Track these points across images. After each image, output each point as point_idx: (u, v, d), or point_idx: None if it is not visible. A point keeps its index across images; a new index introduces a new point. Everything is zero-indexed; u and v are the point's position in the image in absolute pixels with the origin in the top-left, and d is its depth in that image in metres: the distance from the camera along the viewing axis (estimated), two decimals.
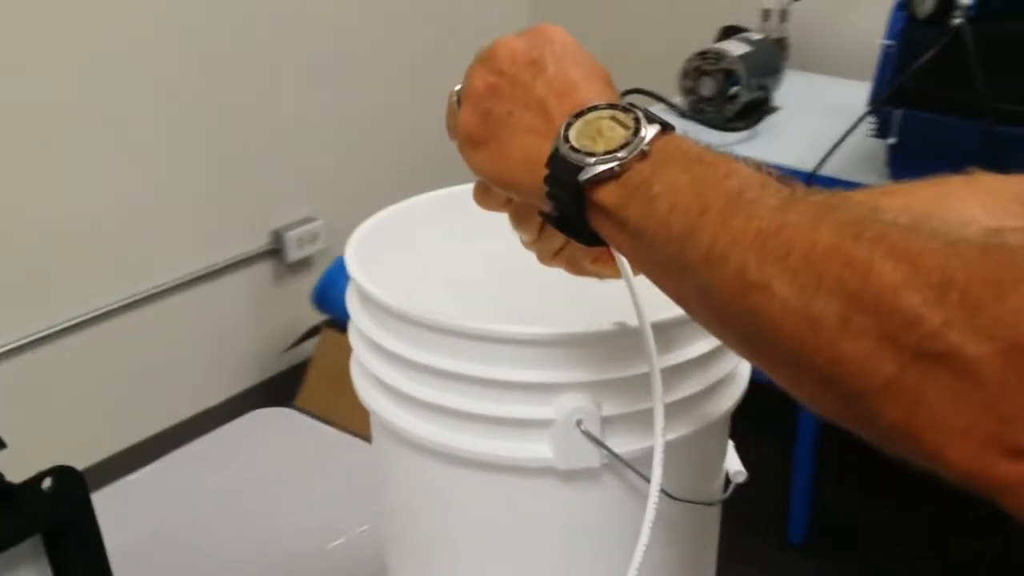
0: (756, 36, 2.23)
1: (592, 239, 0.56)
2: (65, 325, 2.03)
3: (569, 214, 0.55)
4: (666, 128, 0.54)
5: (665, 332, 0.66)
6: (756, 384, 0.80)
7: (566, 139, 0.54)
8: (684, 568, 0.76)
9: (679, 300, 0.54)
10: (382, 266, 0.75)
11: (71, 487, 0.61)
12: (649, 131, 0.53)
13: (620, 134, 0.53)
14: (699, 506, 0.73)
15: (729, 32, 2.33)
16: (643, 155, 0.52)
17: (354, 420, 1.03)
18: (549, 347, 0.65)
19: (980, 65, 1.54)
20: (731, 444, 0.81)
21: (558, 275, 0.72)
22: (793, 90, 2.27)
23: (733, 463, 0.80)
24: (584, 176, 0.53)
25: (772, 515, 2.09)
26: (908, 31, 1.68)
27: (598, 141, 0.53)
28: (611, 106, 0.55)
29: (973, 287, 0.39)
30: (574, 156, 0.53)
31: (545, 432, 0.67)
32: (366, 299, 0.73)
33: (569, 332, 0.65)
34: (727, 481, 0.79)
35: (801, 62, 2.37)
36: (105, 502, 1.07)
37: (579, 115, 0.55)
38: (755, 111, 2.15)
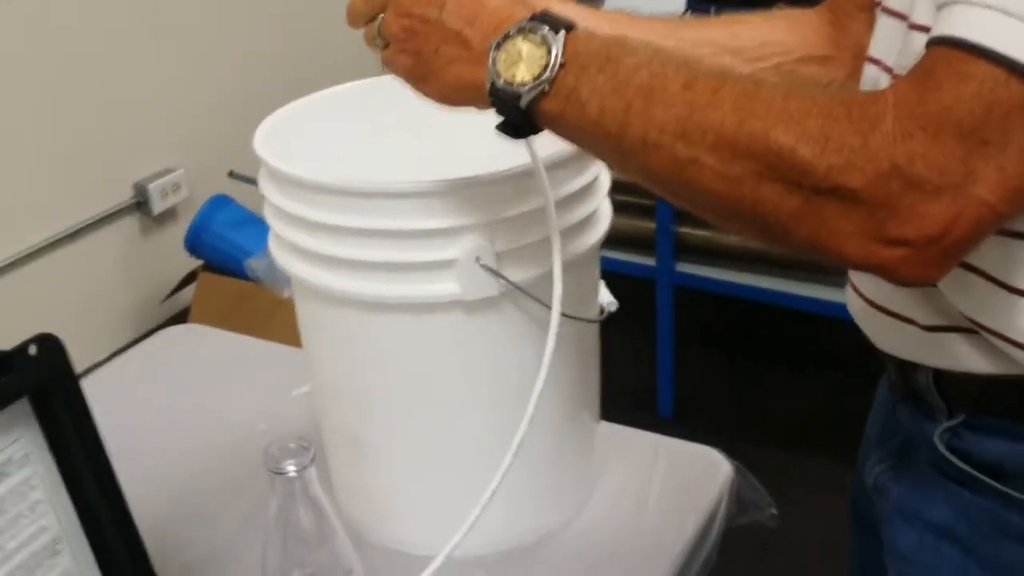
0: None
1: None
2: None
3: (520, 127, 0.68)
4: (568, 28, 0.65)
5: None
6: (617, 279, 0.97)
7: (497, 73, 0.65)
8: (575, 376, 0.91)
9: (623, 172, 0.68)
10: (288, 153, 0.85)
11: (54, 352, 0.70)
12: (557, 43, 0.64)
13: (537, 57, 0.64)
14: (583, 324, 0.87)
15: None
16: (562, 66, 0.64)
17: None
18: (445, 196, 0.78)
19: None
20: (602, 281, 0.95)
21: (459, 152, 0.85)
22: None
23: (605, 296, 0.95)
24: (523, 102, 0.65)
25: (642, 394, 2.28)
26: None
27: (522, 68, 0.64)
28: (520, 30, 0.65)
29: (845, 137, 0.56)
30: (510, 89, 0.65)
31: (450, 271, 0.79)
32: (277, 177, 0.83)
33: (462, 178, 0.77)
34: (602, 310, 0.94)
35: None
36: None
37: (498, 45, 0.65)
38: None
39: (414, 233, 0.78)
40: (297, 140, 0.89)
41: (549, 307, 0.79)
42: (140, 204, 2.43)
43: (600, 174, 0.89)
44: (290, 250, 0.85)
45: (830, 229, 0.58)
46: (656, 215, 2.18)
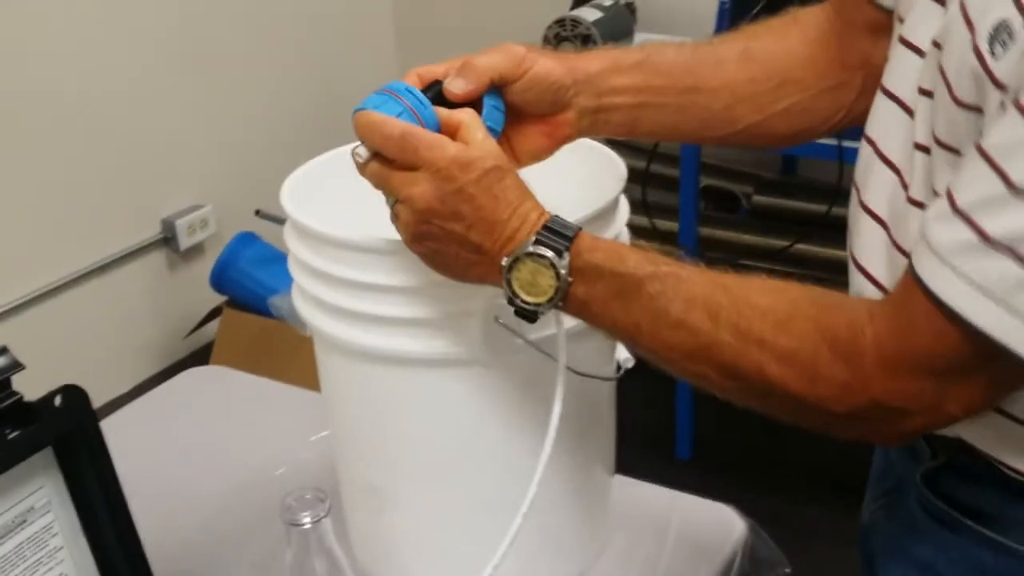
0: (608, 2, 2.39)
1: None
2: None
3: None
4: (572, 239, 0.70)
5: None
6: None
7: (514, 293, 0.72)
8: (589, 431, 0.92)
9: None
10: (314, 207, 0.86)
11: (78, 403, 0.72)
12: (563, 264, 0.70)
13: (547, 280, 0.70)
14: (598, 381, 0.88)
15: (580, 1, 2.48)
16: (571, 283, 0.70)
17: None
18: None
19: None
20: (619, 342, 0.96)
21: None
22: None
23: (622, 353, 0.96)
24: (541, 315, 0.73)
25: (661, 436, 2.28)
26: None
27: (537, 292, 0.71)
28: (528, 254, 0.70)
29: (831, 374, 0.65)
30: (529, 308, 0.72)
31: (468, 329, 0.80)
32: (301, 231, 0.84)
33: None
34: (619, 367, 0.94)
35: (648, 24, 2.54)
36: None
37: (510, 267, 0.71)
38: None
39: (433, 290, 0.79)
40: (322, 194, 0.90)
41: (567, 367, 0.80)
42: (168, 240, 2.46)
43: (620, 234, 0.90)
44: (311, 302, 0.86)
45: (822, 424, 0.70)
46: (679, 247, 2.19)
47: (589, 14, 2.31)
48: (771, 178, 2.59)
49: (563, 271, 0.70)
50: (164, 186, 2.46)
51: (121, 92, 2.32)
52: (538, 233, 0.71)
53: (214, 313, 2.34)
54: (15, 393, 0.68)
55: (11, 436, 0.68)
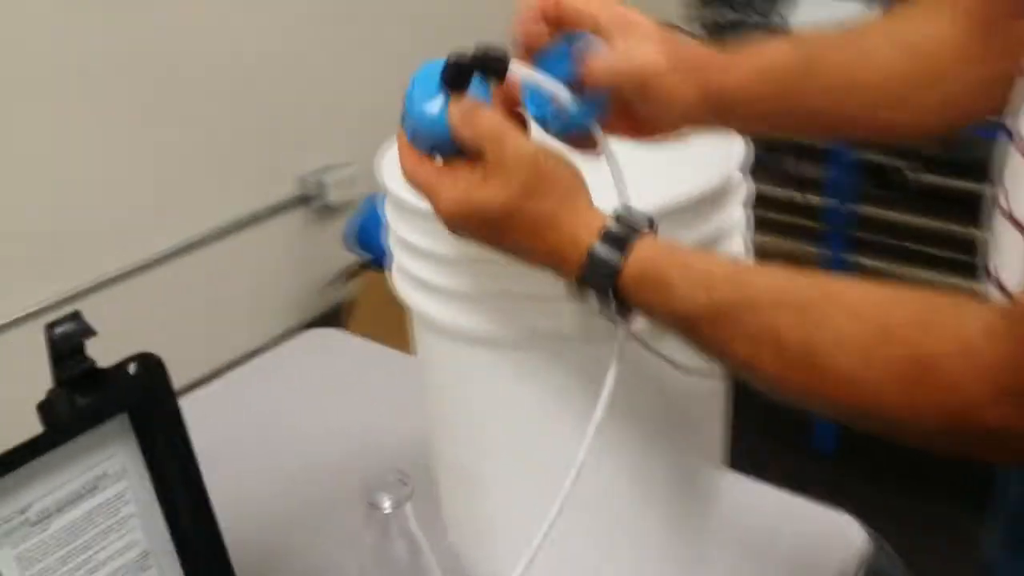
0: None
1: None
2: (107, 277, 2.14)
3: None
4: (613, 281, 0.64)
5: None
6: None
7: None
8: (692, 424, 0.85)
9: None
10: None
11: (153, 371, 0.70)
12: (610, 306, 0.65)
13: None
14: (702, 378, 0.82)
15: None
16: (628, 310, 0.66)
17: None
18: None
19: None
20: None
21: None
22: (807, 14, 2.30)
23: None
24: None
25: (801, 427, 2.17)
26: None
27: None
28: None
29: (942, 402, 0.55)
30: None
31: (564, 308, 0.75)
32: (398, 204, 0.80)
33: None
34: None
35: None
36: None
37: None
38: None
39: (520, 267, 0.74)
40: None
41: (664, 359, 0.74)
42: (308, 198, 2.48)
43: (735, 215, 0.83)
44: (408, 280, 0.82)
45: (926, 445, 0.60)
46: (829, 241, 2.08)
47: None
48: (933, 153, 2.43)
49: (610, 309, 0.66)
50: (309, 143, 2.48)
51: (267, 50, 2.33)
52: (581, 267, 0.65)
53: (351, 272, 2.35)
54: (87, 359, 0.67)
55: (81, 403, 0.66)
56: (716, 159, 0.82)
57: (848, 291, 0.60)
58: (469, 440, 0.87)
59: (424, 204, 0.77)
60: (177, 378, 1.43)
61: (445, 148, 0.65)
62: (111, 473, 0.71)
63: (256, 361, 1.24)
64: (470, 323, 0.79)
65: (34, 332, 0.70)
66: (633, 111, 0.72)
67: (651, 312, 0.65)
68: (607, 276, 0.64)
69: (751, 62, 0.74)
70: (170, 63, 2.17)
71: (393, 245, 0.84)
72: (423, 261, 0.80)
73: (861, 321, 0.58)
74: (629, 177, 0.73)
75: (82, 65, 2.03)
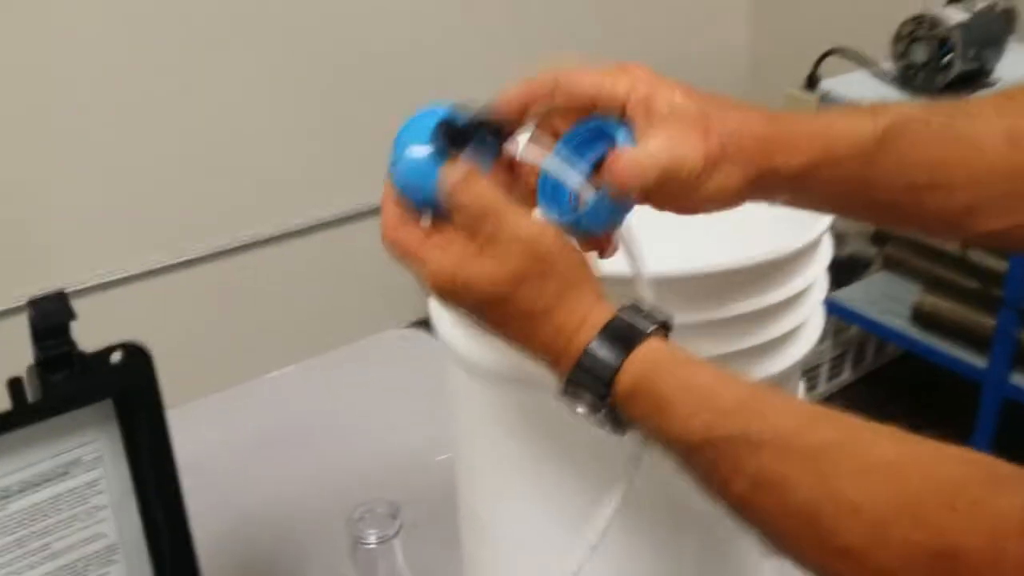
0: (980, 4, 2.09)
1: None
2: (222, 248, 2.18)
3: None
4: (607, 392, 0.55)
5: (710, 283, 0.66)
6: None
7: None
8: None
9: None
10: None
11: (138, 362, 0.67)
12: (602, 422, 0.57)
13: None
14: None
15: None
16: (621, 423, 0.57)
17: None
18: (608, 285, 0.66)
19: None
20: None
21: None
22: (1018, 63, 2.12)
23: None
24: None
25: None
26: None
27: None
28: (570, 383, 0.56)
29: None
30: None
31: None
32: None
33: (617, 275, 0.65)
34: None
35: None
36: (235, 396, 1.16)
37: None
38: (969, 82, 2.03)
39: None
40: None
41: None
42: None
43: (816, 280, 0.74)
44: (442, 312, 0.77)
45: None
46: (999, 313, 1.90)
47: (954, 15, 2.03)
48: None
49: (606, 426, 0.57)
50: None
51: (388, 50, 2.30)
52: (568, 375, 0.57)
53: None
54: (68, 342, 0.64)
55: (57, 383, 0.64)
56: (800, 216, 0.73)
57: (877, 445, 0.49)
58: (487, 482, 0.81)
59: None
60: (276, 361, 1.44)
61: (439, 207, 0.56)
62: (86, 460, 0.68)
63: (331, 354, 1.22)
64: (499, 362, 0.72)
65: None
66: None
67: (645, 428, 0.56)
68: (600, 380, 0.55)
69: (823, 140, 0.61)
70: (295, 54, 2.18)
71: None
72: None
73: (883, 487, 0.47)
74: (698, 233, 0.66)
75: (209, 41, 2.06)
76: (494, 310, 0.56)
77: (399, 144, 0.57)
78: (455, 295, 0.57)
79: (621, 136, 0.57)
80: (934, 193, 0.62)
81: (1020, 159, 0.62)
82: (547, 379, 0.68)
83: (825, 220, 0.73)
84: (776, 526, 0.50)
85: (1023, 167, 0.62)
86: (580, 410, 0.57)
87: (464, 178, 0.55)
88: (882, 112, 0.62)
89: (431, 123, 0.56)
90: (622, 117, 0.58)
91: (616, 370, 0.54)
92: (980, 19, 2.04)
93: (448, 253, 0.56)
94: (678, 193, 0.58)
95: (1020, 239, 0.64)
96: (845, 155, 0.61)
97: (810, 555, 0.49)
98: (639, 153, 0.57)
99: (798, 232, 0.71)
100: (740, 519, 0.52)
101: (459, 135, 0.56)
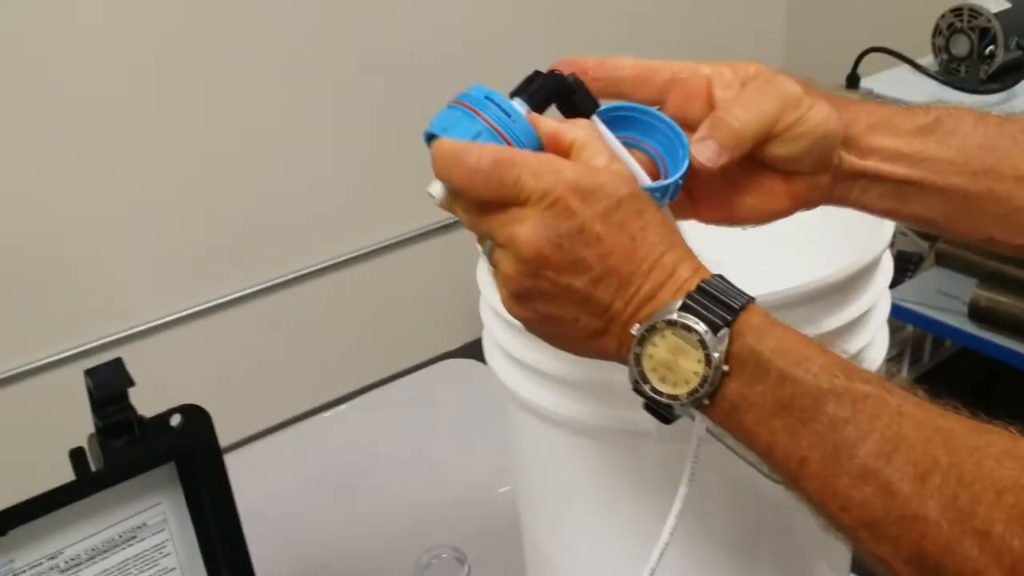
0: None
1: None
2: (294, 275, 2.19)
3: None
4: (737, 311, 0.51)
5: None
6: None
7: (643, 377, 0.53)
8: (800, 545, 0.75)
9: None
10: None
11: (197, 423, 0.67)
12: (719, 347, 0.51)
13: (692, 364, 0.51)
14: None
15: None
16: (725, 374, 0.51)
17: None
18: None
19: None
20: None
21: None
22: None
23: None
24: (675, 414, 0.54)
25: None
26: None
27: (676, 380, 0.52)
28: (670, 324, 0.52)
29: None
30: (660, 400, 0.53)
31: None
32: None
33: None
34: None
35: None
36: (292, 437, 1.16)
37: (642, 339, 0.52)
38: (1013, 72, 1.99)
39: None
40: None
41: (752, 465, 0.65)
42: None
43: (877, 303, 0.73)
44: (500, 353, 0.76)
45: None
46: None
47: (993, 4, 2.00)
48: None
49: (716, 355, 0.50)
50: None
51: (436, 76, 2.30)
52: (689, 295, 0.51)
53: None
54: (128, 408, 0.65)
55: (119, 451, 0.64)
56: (862, 233, 0.71)
57: (1002, 435, 0.47)
58: (548, 521, 0.81)
59: None
60: (327, 392, 1.44)
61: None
62: (151, 524, 0.69)
63: (383, 389, 1.22)
64: (559, 406, 0.71)
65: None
66: (780, 164, 0.60)
67: (759, 379, 0.51)
68: (729, 304, 0.51)
69: (877, 107, 0.61)
70: (326, 88, 2.18)
71: (485, 315, 0.78)
72: (511, 334, 0.73)
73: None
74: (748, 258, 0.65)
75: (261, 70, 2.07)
76: (566, 256, 0.52)
77: (484, 100, 0.55)
78: (523, 274, 0.53)
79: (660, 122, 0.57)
80: (998, 183, 0.61)
81: None
82: (610, 422, 0.67)
83: (885, 236, 0.71)
84: (906, 503, 0.47)
85: None
86: (688, 334, 0.51)
87: (453, 150, 0.53)
88: (934, 108, 0.62)
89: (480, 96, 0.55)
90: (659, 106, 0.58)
91: (748, 299, 0.52)
92: (1021, 5, 2.01)
93: (484, 224, 0.54)
94: (819, 160, 0.59)
95: None
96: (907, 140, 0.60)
97: (936, 538, 0.46)
98: (732, 110, 0.56)
99: (858, 251, 0.69)
100: (864, 496, 0.48)
101: (546, 96, 0.55)
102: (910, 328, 2.31)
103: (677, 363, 0.52)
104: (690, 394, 0.52)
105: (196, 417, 0.67)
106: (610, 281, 0.52)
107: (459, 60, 2.28)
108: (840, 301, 0.68)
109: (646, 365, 0.53)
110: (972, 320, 2.07)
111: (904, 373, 2.40)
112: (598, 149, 0.54)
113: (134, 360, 0.68)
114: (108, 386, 0.63)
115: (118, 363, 0.64)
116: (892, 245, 0.72)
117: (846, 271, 0.67)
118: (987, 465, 0.45)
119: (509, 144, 0.53)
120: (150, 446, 0.66)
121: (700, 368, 0.51)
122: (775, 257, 0.78)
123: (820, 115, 0.58)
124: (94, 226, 1.93)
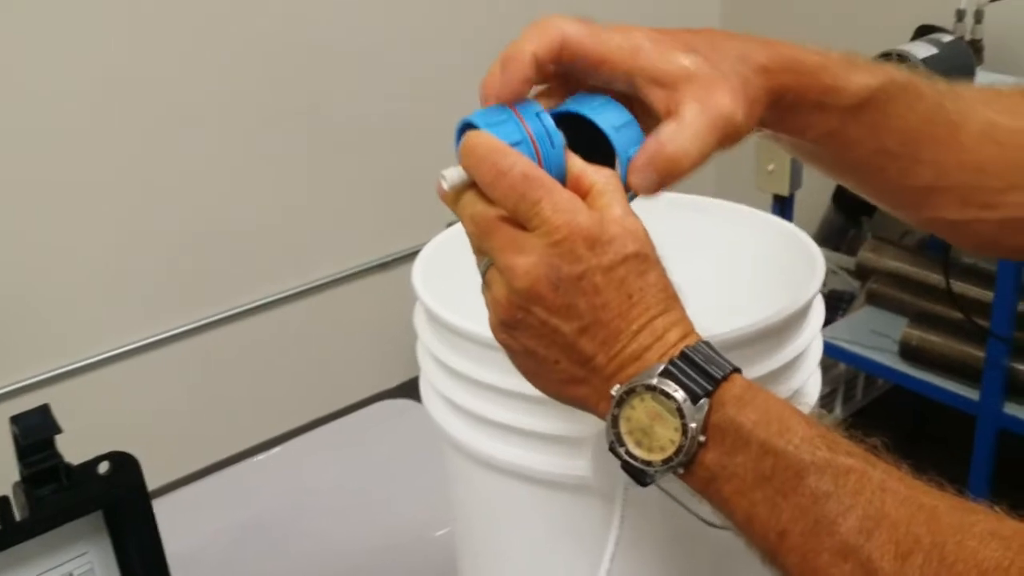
0: (947, 38, 2.12)
1: None
2: (227, 313, 2.18)
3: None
4: (718, 381, 0.51)
5: None
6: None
7: (619, 439, 0.53)
8: None
9: None
10: (451, 283, 0.75)
11: (125, 470, 0.66)
12: (696, 419, 0.51)
13: (669, 436, 0.51)
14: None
15: (922, 32, 2.22)
16: (702, 445, 0.51)
17: None
18: None
19: None
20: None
21: None
22: None
23: None
24: (649, 480, 0.53)
25: None
26: None
27: (650, 447, 0.52)
28: (649, 388, 0.51)
29: None
30: (635, 464, 0.53)
31: (581, 451, 0.67)
32: (432, 318, 0.73)
33: None
34: None
35: (998, 65, 2.23)
36: (224, 481, 1.14)
37: (620, 401, 0.52)
38: None
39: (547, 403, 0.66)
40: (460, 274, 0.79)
41: (693, 513, 0.65)
42: None
43: (811, 345, 0.73)
44: (437, 395, 0.75)
45: None
46: (987, 343, 1.90)
47: (921, 49, 2.05)
48: None
49: (693, 425, 0.50)
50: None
51: (422, 97, 2.32)
52: (672, 361, 0.51)
53: None
54: (55, 455, 0.63)
55: (46, 499, 0.63)
56: (796, 277, 0.72)
57: (985, 515, 0.47)
58: (488, 567, 0.80)
59: (443, 313, 0.70)
60: (261, 432, 1.42)
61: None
62: (78, 573, 0.67)
63: (318, 432, 1.20)
64: (496, 450, 0.71)
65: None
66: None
67: (739, 450, 0.50)
68: (710, 375, 0.51)
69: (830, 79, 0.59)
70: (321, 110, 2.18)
71: (421, 356, 0.77)
72: (446, 375, 0.73)
73: (1006, 547, 0.45)
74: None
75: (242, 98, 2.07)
76: (560, 298, 0.52)
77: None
78: (512, 304, 0.53)
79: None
80: (899, 163, 0.63)
81: (988, 155, 0.63)
82: (548, 468, 0.67)
83: (818, 278, 0.72)
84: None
85: (988, 163, 0.63)
86: (667, 401, 0.51)
87: (492, 147, 0.53)
88: (880, 72, 0.61)
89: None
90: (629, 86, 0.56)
91: (732, 369, 0.52)
92: (947, 52, 2.06)
93: (489, 237, 0.54)
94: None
95: (972, 235, 0.66)
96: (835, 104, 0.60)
97: None
98: (680, 137, 0.54)
99: (790, 293, 0.70)
100: (843, 574, 0.48)
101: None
102: (842, 366, 2.34)
103: (654, 429, 0.52)
104: (664, 461, 0.52)
105: (125, 464, 0.66)
106: (596, 333, 0.52)
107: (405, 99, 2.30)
108: (775, 344, 0.69)
109: (623, 427, 0.53)
110: (903, 358, 2.11)
111: (837, 411, 2.43)
112: (616, 199, 0.53)
113: (60, 401, 0.67)
114: (34, 433, 0.62)
115: (45, 409, 0.63)
116: (824, 284, 0.73)
117: (781, 314, 0.68)
118: (970, 546, 0.45)
119: (540, 166, 0.54)
120: (77, 494, 0.64)
121: (676, 436, 0.51)
122: (708, 302, 0.79)
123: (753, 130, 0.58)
124: (18, 266, 1.89)
